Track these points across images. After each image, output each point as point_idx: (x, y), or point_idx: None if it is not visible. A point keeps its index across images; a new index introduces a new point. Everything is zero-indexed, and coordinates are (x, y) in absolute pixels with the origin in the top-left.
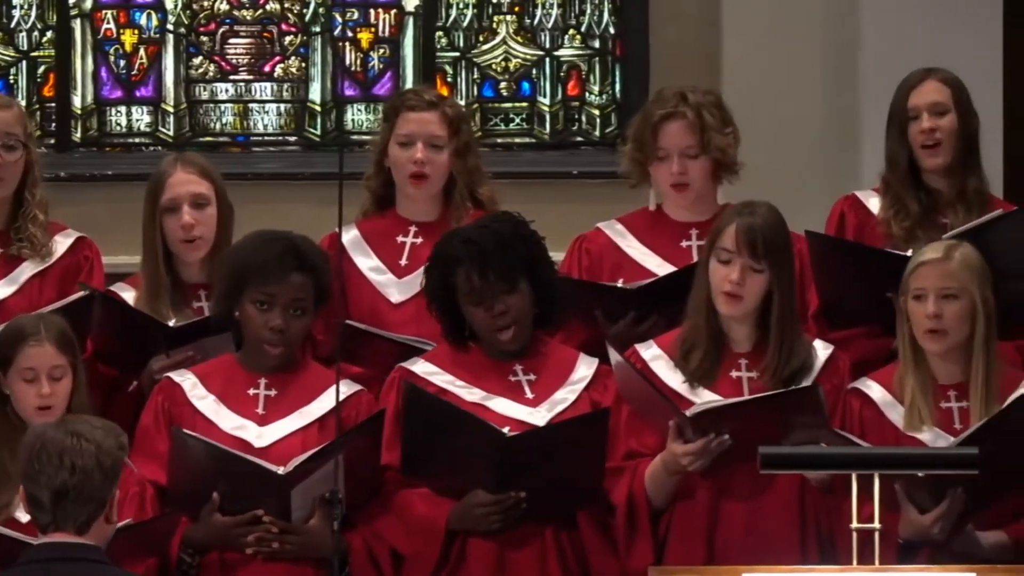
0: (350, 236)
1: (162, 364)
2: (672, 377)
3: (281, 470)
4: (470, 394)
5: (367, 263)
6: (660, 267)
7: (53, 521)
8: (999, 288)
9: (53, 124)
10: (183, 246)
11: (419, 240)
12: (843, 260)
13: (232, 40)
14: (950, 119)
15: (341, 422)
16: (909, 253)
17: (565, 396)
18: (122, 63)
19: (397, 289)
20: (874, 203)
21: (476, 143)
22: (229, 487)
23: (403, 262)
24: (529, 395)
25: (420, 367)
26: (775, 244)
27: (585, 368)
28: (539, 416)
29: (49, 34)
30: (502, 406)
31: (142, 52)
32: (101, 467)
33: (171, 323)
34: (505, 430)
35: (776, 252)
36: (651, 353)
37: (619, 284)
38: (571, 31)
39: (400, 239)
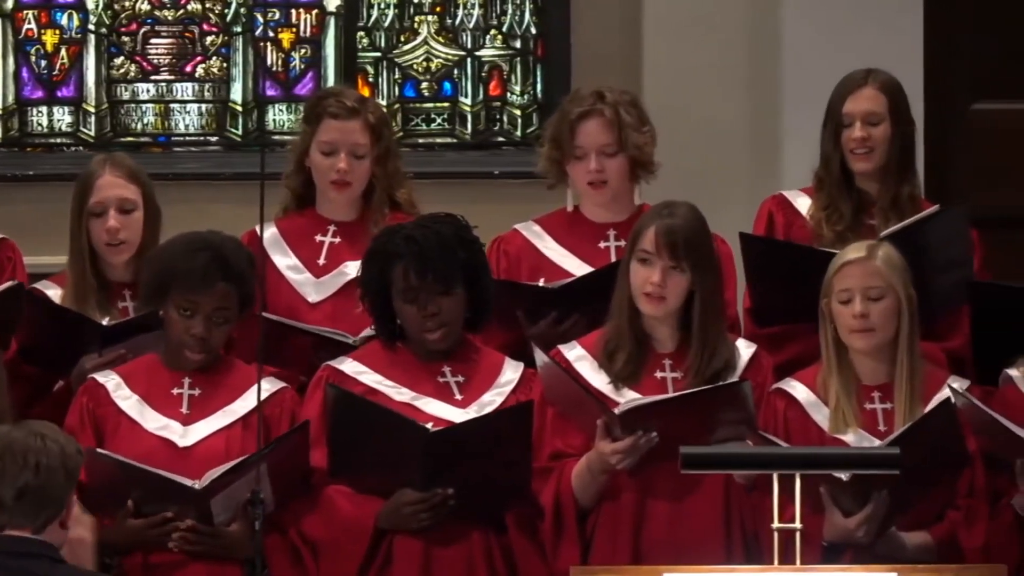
0: (268, 234)
1: (95, 363)
2: (596, 378)
3: (197, 484)
4: (399, 394)
5: (285, 261)
6: (579, 268)
7: (10, 521)
8: (928, 283)
9: None
10: (108, 249)
11: (337, 240)
12: (778, 261)
13: (153, 40)
14: (883, 128)
15: (264, 420)
16: None
17: (493, 399)
18: (43, 63)
19: (314, 289)
20: (802, 202)
21: (397, 146)
22: (147, 496)
23: (321, 261)
24: (458, 396)
25: (348, 366)
26: (695, 245)
27: (511, 372)
28: (468, 417)
29: None
30: (431, 407)
31: (63, 52)
32: (65, 468)
33: (105, 322)
34: (428, 426)
35: (697, 252)
36: (575, 354)
37: (540, 284)
38: (492, 31)
39: (319, 238)
